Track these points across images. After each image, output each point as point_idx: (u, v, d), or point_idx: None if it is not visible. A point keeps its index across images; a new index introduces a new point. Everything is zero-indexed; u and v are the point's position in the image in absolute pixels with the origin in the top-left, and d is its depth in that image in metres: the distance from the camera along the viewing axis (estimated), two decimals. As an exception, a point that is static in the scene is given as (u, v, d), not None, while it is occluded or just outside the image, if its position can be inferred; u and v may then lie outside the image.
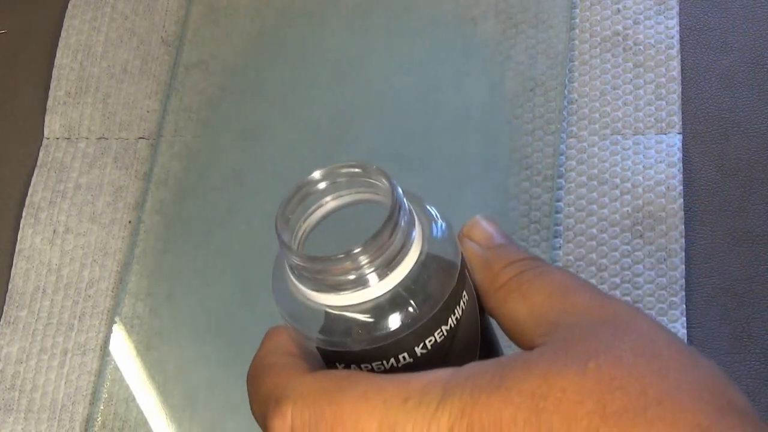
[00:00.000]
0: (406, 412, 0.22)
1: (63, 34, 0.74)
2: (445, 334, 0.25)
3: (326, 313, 0.25)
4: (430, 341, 0.25)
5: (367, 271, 0.24)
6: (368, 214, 0.27)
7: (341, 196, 0.27)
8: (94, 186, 0.69)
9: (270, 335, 0.28)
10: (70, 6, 0.75)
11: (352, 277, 0.24)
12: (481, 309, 0.28)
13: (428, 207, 0.28)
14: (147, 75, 0.72)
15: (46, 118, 0.71)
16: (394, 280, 0.25)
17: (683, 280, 0.59)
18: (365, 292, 0.24)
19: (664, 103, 0.64)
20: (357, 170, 0.27)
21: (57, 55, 0.74)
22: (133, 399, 0.62)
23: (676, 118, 0.63)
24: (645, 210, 0.61)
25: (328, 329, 0.25)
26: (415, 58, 0.70)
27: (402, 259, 0.25)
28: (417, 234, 0.26)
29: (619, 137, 0.63)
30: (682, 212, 0.60)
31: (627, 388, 0.21)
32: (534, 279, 0.26)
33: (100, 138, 0.70)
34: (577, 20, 0.68)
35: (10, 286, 0.66)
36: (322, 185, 0.27)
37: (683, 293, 0.58)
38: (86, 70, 0.73)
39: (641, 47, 0.66)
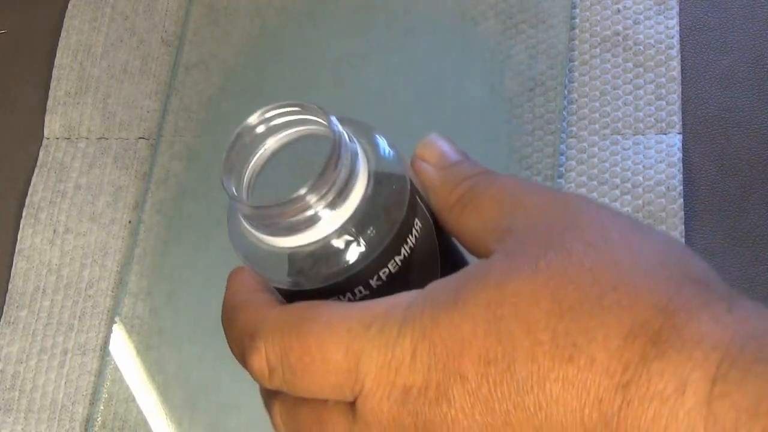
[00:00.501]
0: (369, 339, 0.23)
1: (63, 34, 0.74)
2: (399, 264, 0.25)
3: (280, 254, 0.25)
4: (384, 272, 0.25)
5: (316, 211, 0.24)
6: (312, 149, 0.27)
7: (281, 137, 0.27)
8: (94, 186, 0.69)
9: (234, 277, 0.29)
10: (70, 6, 0.75)
11: (300, 218, 0.24)
12: (439, 231, 0.28)
13: (377, 135, 0.27)
14: (147, 75, 0.72)
15: (46, 118, 0.71)
16: (342, 217, 0.25)
17: (683, 280, 0.59)
18: (315, 231, 0.25)
19: (664, 103, 0.64)
20: (293, 109, 0.27)
21: (57, 55, 0.74)
22: (133, 399, 0.62)
23: (676, 118, 0.63)
24: (645, 210, 0.61)
25: (283, 270, 0.26)
26: (415, 58, 0.70)
27: (348, 194, 0.25)
28: (362, 167, 0.26)
29: (619, 137, 0.63)
30: (682, 212, 0.60)
31: (579, 280, 0.21)
32: (485, 190, 0.26)
33: (100, 138, 0.70)
34: (577, 20, 0.68)
35: (10, 286, 0.66)
36: (260, 129, 0.27)
37: (683, 293, 0.58)
38: (86, 70, 0.73)
39: (641, 47, 0.66)
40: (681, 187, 0.61)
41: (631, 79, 0.65)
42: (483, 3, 0.70)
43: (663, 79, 0.65)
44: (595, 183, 0.62)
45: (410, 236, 0.26)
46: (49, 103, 0.72)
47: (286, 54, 0.72)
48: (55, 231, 0.68)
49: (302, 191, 0.24)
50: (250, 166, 0.27)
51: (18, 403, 0.63)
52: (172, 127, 0.70)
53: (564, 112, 0.65)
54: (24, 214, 0.68)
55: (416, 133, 0.67)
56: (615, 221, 0.23)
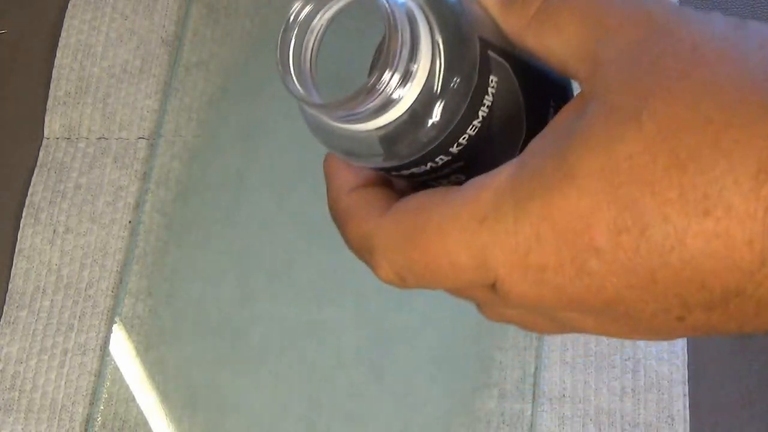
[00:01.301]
0: (488, 232, 0.22)
1: (63, 34, 0.74)
2: (479, 126, 0.25)
3: (364, 138, 0.25)
4: (464, 138, 0.25)
5: (388, 92, 0.24)
6: (365, 13, 0.26)
7: (331, 11, 0.27)
8: (94, 186, 0.69)
9: (331, 169, 0.28)
10: (70, 6, 0.75)
11: (376, 103, 0.24)
12: (520, 74, 0.26)
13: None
14: (147, 75, 0.72)
15: (46, 118, 0.71)
16: (414, 91, 0.24)
17: (683, 280, 0.59)
18: (390, 113, 0.24)
19: (664, 103, 0.64)
20: None
21: (57, 55, 0.74)
22: (133, 399, 0.62)
23: (676, 118, 0.63)
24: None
25: (370, 150, 0.25)
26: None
27: (416, 63, 0.24)
28: (423, 28, 0.25)
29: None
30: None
31: (690, 125, 0.20)
32: (562, 3, 0.24)
33: (100, 138, 0.70)
34: (577, 20, 0.68)
35: (10, 286, 0.66)
36: (307, 9, 0.26)
37: (683, 293, 0.58)
38: (86, 70, 0.73)
39: (641, 47, 0.66)
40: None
41: (631, 79, 0.65)
42: (483, 3, 0.70)
43: (663, 79, 0.65)
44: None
45: (486, 97, 0.25)
46: (49, 103, 0.72)
47: (286, 54, 0.72)
48: (55, 231, 0.68)
49: (371, 80, 0.24)
50: (308, 58, 0.26)
51: (18, 403, 0.63)
52: (172, 127, 0.70)
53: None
54: (24, 214, 0.68)
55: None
56: (706, 33, 0.22)
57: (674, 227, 0.20)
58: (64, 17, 0.75)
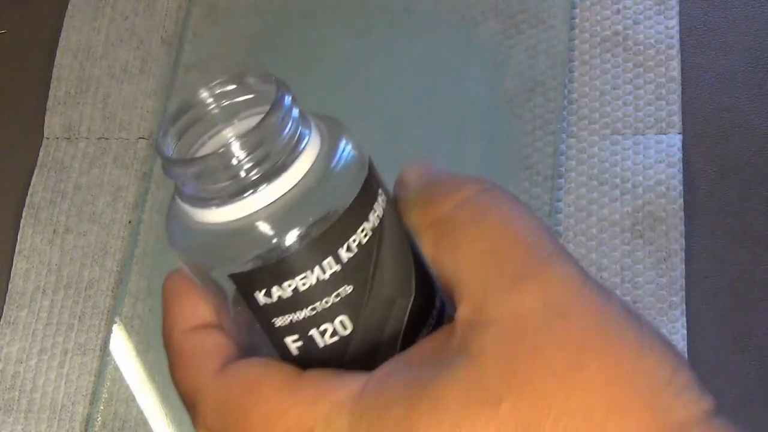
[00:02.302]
0: None
1: (63, 34, 0.74)
2: (369, 234, 0.23)
3: (227, 233, 0.23)
4: (354, 241, 0.23)
5: (254, 172, 0.22)
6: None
7: (237, 123, 0.25)
8: (94, 186, 0.69)
9: (170, 297, 0.26)
10: (70, 6, 0.75)
11: (234, 183, 0.22)
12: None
13: (345, 134, 0.25)
14: (147, 75, 0.72)
15: (46, 118, 0.71)
16: (276, 190, 0.22)
17: (683, 280, 0.59)
18: (260, 196, 0.22)
19: (664, 103, 0.64)
20: (249, 96, 0.24)
21: (57, 55, 0.74)
22: (133, 399, 0.62)
23: (676, 118, 0.63)
24: (645, 210, 0.61)
25: (230, 251, 0.23)
26: (415, 58, 0.70)
27: (287, 165, 0.23)
28: (312, 145, 0.23)
29: (619, 137, 0.63)
30: (682, 212, 0.60)
31: (542, 428, 0.20)
32: (466, 224, 0.22)
33: (100, 138, 0.70)
34: (577, 20, 0.68)
35: (10, 286, 0.66)
36: (212, 108, 0.24)
37: (683, 293, 0.58)
38: (86, 70, 0.73)
39: (641, 47, 0.66)
40: (681, 187, 0.61)
41: (631, 79, 0.65)
42: (483, 3, 0.70)
43: (663, 79, 0.65)
44: (595, 183, 0.62)
45: (377, 204, 0.24)
46: (49, 103, 0.72)
47: (286, 54, 0.72)
48: (55, 231, 0.68)
49: (233, 145, 0.22)
50: (197, 146, 0.25)
51: (18, 403, 0.63)
52: (172, 127, 0.70)
53: (564, 112, 0.65)
54: (24, 214, 0.68)
55: (417, 131, 0.68)
56: (599, 338, 0.21)
57: None
58: (64, 17, 0.75)
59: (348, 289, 0.23)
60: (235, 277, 0.23)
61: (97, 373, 0.63)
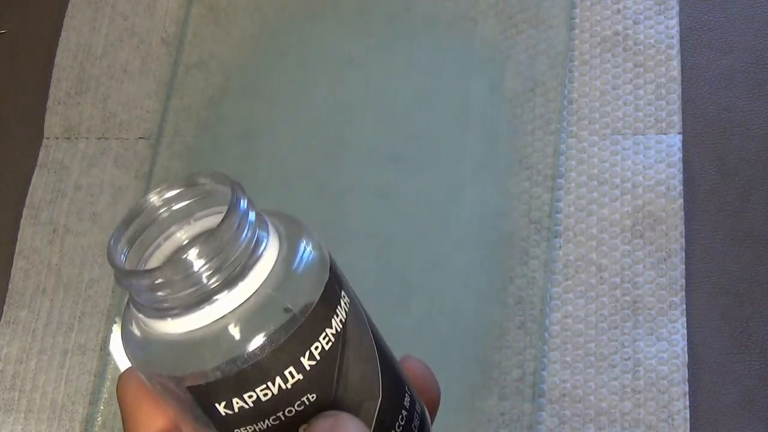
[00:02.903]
0: None
1: (63, 34, 0.74)
2: (332, 341, 0.23)
3: (185, 344, 0.22)
4: (316, 348, 0.22)
5: (204, 282, 0.21)
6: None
7: (192, 224, 0.24)
8: (94, 186, 0.69)
9: (132, 405, 0.25)
10: (70, 6, 0.75)
11: (190, 293, 0.21)
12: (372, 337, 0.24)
13: (306, 235, 0.24)
14: (147, 75, 0.72)
15: (46, 118, 0.71)
16: (235, 299, 0.22)
17: (683, 280, 0.59)
18: (216, 306, 0.22)
19: (664, 103, 0.64)
20: (202, 197, 0.24)
21: (57, 55, 0.74)
22: (133, 399, 0.62)
23: (676, 118, 0.63)
24: (645, 210, 0.61)
25: (189, 362, 0.22)
26: (415, 57, 0.70)
27: (246, 272, 0.22)
28: (270, 250, 0.23)
29: (619, 137, 0.63)
30: (682, 212, 0.60)
31: None
32: None
33: (100, 138, 0.70)
34: (577, 20, 0.68)
35: (10, 286, 0.66)
36: (163, 212, 0.23)
37: (683, 293, 0.58)
38: (86, 70, 0.73)
39: (641, 47, 0.66)
40: (681, 187, 0.61)
41: (631, 79, 0.65)
42: (483, 3, 0.70)
43: (663, 79, 0.65)
44: (595, 183, 0.62)
45: (339, 308, 0.23)
46: (49, 103, 0.72)
47: (286, 54, 0.72)
48: (55, 231, 0.68)
49: (188, 253, 0.21)
50: (151, 253, 0.24)
51: (18, 403, 0.63)
52: (172, 127, 0.70)
53: (564, 112, 0.65)
54: (24, 214, 0.68)
55: (416, 131, 0.67)
56: None
57: None
58: (64, 17, 0.75)
59: (311, 397, 0.22)
60: (193, 390, 0.22)
61: (97, 373, 0.63)
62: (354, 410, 0.23)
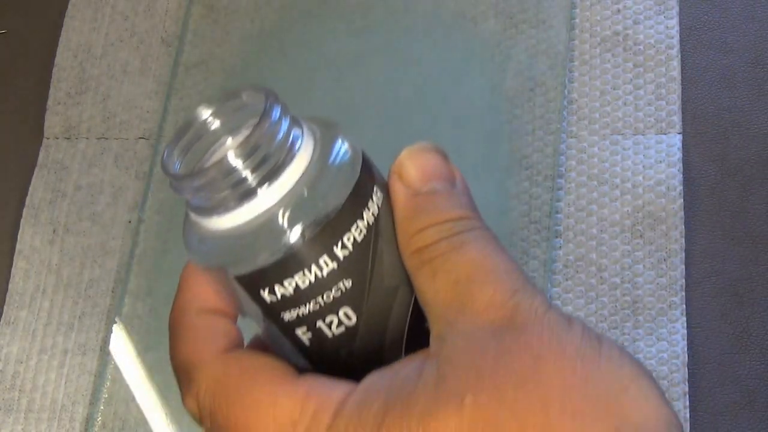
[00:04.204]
0: None
1: (63, 34, 0.74)
2: (364, 232, 0.24)
3: (231, 238, 0.24)
4: (348, 238, 0.24)
5: (250, 178, 0.23)
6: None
7: (237, 135, 0.26)
8: (94, 186, 0.69)
9: (186, 282, 0.28)
10: (70, 6, 0.75)
11: (233, 191, 0.23)
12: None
13: (340, 135, 0.26)
14: (147, 75, 0.72)
15: (46, 118, 0.71)
16: (275, 193, 0.24)
17: (683, 280, 0.59)
18: (256, 201, 0.24)
19: (664, 103, 0.64)
20: (245, 109, 0.26)
21: (57, 55, 0.74)
22: (133, 399, 0.62)
23: (676, 118, 0.63)
24: (645, 210, 0.61)
25: (236, 255, 0.25)
26: (415, 57, 0.70)
27: (283, 167, 0.24)
28: (306, 146, 0.25)
29: (619, 137, 0.63)
30: (682, 212, 0.60)
31: (503, 426, 0.21)
32: (447, 254, 0.24)
33: (100, 138, 0.70)
34: (577, 20, 0.68)
35: (10, 286, 0.66)
36: (213, 124, 0.26)
37: (683, 293, 0.58)
38: (86, 70, 0.73)
39: (641, 47, 0.66)
40: (681, 187, 0.61)
41: (631, 79, 0.65)
42: (483, 3, 0.70)
43: (663, 79, 0.65)
44: (595, 183, 0.62)
45: (371, 202, 0.25)
46: (49, 103, 0.72)
47: (286, 54, 0.72)
48: (55, 231, 0.68)
49: (228, 155, 0.23)
50: (203, 160, 0.26)
51: (18, 403, 0.63)
52: (172, 127, 0.70)
53: (564, 112, 0.65)
54: (24, 214, 0.68)
55: (416, 133, 0.67)
56: (555, 349, 0.22)
57: None
58: (64, 17, 0.75)
59: (347, 283, 0.24)
60: (240, 279, 0.25)
61: (97, 373, 0.63)
62: (390, 295, 0.25)
